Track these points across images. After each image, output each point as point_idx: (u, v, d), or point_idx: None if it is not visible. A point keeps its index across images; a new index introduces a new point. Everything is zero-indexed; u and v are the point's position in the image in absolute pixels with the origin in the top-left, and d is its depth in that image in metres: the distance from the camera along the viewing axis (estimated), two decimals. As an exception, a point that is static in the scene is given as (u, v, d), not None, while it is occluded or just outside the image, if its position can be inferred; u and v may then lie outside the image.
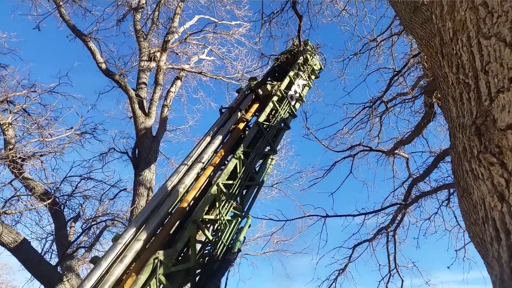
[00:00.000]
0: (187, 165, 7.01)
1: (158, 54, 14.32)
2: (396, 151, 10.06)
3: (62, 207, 11.19)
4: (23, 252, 8.99)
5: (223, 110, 8.43)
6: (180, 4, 14.81)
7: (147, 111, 13.15)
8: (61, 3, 12.43)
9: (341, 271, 9.64)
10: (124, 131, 16.33)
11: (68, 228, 11.90)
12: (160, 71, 13.67)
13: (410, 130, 9.50)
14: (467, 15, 1.60)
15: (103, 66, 12.81)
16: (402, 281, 9.22)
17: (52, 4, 13.13)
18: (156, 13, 15.18)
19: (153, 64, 14.38)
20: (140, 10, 15.17)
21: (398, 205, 8.97)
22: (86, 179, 12.55)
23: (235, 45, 16.73)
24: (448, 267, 7.50)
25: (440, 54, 1.80)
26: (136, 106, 12.67)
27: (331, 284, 9.55)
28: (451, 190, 9.05)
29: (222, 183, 6.65)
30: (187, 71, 15.19)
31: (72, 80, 12.61)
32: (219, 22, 16.59)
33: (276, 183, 17.57)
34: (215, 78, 15.55)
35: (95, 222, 11.67)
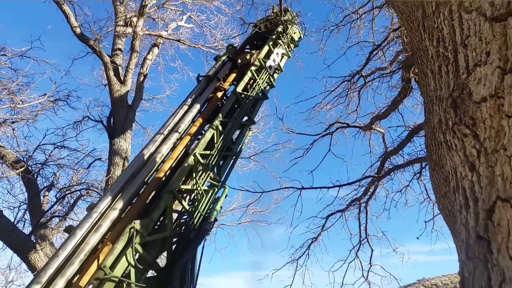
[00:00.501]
0: (164, 134, 6.93)
1: (134, 19, 13.82)
2: (373, 126, 10.23)
3: (35, 176, 10.98)
4: (-5, 220, 8.85)
5: (200, 79, 8.27)
6: (158, -33, 14.22)
7: (122, 79, 12.82)
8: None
9: (314, 239, 9.96)
10: (99, 99, 15.92)
11: (41, 197, 11.72)
12: (136, 37, 13.24)
13: (386, 105, 9.67)
14: (449, -12, 1.61)
15: (78, 30, 12.31)
16: (372, 250, 9.64)
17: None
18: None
19: (129, 30, 13.92)
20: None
21: (371, 178, 9.22)
22: (60, 147, 12.31)
23: (215, 13, 16.33)
24: (417, 238, 7.86)
25: (422, 27, 1.81)
26: (111, 73, 12.33)
27: (304, 252, 9.89)
28: (423, 164, 9.34)
29: (199, 153, 6.64)
30: (165, 38, 14.78)
31: (45, 44, 12.20)
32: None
33: (254, 155, 17.69)
34: (194, 47, 15.21)
35: (69, 191, 11.52)
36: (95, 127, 13.30)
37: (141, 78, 13.43)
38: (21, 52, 11.35)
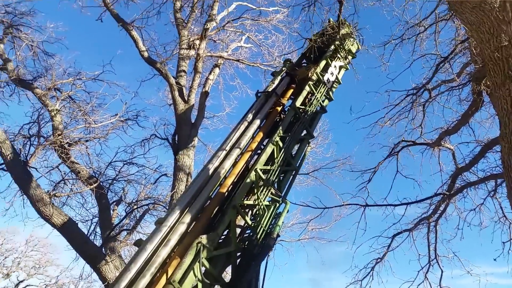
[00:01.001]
0: (226, 150, 7.06)
1: (197, 42, 14.48)
2: (442, 142, 9.70)
3: (106, 191, 11.67)
4: (70, 232, 9.49)
5: (259, 95, 8.34)
6: (218, -9, 14.85)
7: (186, 98, 13.40)
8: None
9: (379, 259, 9.55)
10: (165, 118, 16.67)
11: (111, 211, 12.43)
12: (199, 59, 13.83)
13: (456, 120, 9.15)
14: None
15: (145, 54, 13.13)
16: (442, 271, 9.03)
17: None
18: (196, 0, 15.30)
19: (192, 52, 14.58)
20: (180, -3, 15.32)
21: (442, 195, 8.71)
22: (129, 164, 13.01)
23: (272, 32, 16.68)
24: (495, 259, 7.24)
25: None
26: (176, 93, 12.95)
27: (369, 272, 9.51)
28: (498, 181, 8.67)
29: (259, 169, 6.68)
30: (225, 59, 15.30)
31: (115, 68, 13.04)
32: (258, 9, 16.53)
33: (312, 171, 17.49)
34: (252, 65, 15.60)
35: (137, 206, 12.09)
36: (162, 145, 13.94)
37: (204, 97, 13.96)
38: (94, 76, 12.29)
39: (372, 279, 9.67)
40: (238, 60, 15.28)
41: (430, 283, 9.11)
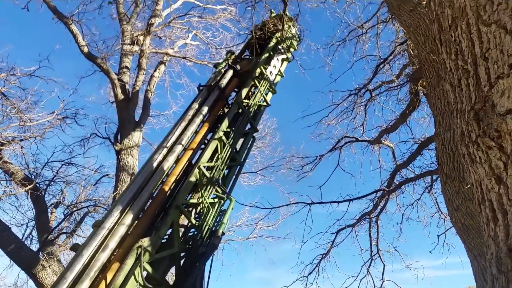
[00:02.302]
0: (166, 147, 6.89)
1: (141, 37, 14.03)
2: (382, 139, 10.18)
3: (43, 193, 11.00)
4: (3, 238, 8.83)
5: (201, 88, 8.20)
6: (164, -14, 14.49)
7: (129, 96, 12.94)
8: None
9: (324, 255, 9.82)
10: (106, 116, 16.03)
11: (49, 214, 11.72)
12: (143, 55, 13.43)
13: (394, 119, 9.64)
14: (466, 2, 1.62)
15: (85, 49, 12.52)
16: (384, 265, 9.47)
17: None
18: (140, -5, 14.84)
19: (136, 48, 14.10)
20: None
21: (382, 191, 9.14)
22: (67, 164, 12.36)
23: (220, 30, 16.59)
24: (430, 252, 7.71)
25: (439, 41, 1.82)
26: (119, 90, 12.47)
27: (314, 268, 9.75)
28: (434, 177, 9.24)
29: (203, 166, 6.60)
30: (171, 56, 14.95)
31: (54, 64, 12.37)
32: (204, 6, 16.36)
33: (261, 169, 17.64)
34: (200, 63, 15.40)
35: (76, 208, 11.52)
36: (103, 144, 13.37)
37: (148, 95, 13.56)
38: (29, 71, 11.53)
39: (318, 275, 9.94)
40: (184, 58, 15.01)
41: (372, 277, 9.53)
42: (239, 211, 18.88)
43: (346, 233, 9.64)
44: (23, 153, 11.15)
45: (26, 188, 9.34)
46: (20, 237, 9.64)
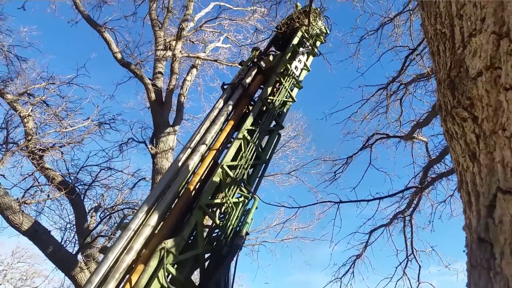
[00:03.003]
0: (190, 148, 6.90)
1: (173, 43, 14.29)
2: (415, 135, 9.65)
3: (82, 197, 11.42)
4: (43, 241, 9.22)
5: (225, 87, 8.13)
6: (194, -9, 14.69)
7: (164, 100, 13.19)
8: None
9: (358, 256, 9.44)
10: (143, 121, 16.48)
11: (89, 218, 12.17)
12: (175, 59, 13.63)
13: (426, 112, 9.08)
14: (445, -43, 1.41)
15: (119, 56, 12.90)
16: (420, 266, 8.92)
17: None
18: (171, 1, 15.13)
19: (169, 53, 14.36)
20: (156, -1, 15.14)
21: (414, 189, 8.64)
22: (106, 169, 12.77)
23: (251, 31, 16.56)
24: (464, 251, 7.09)
25: (421, 7, 1.61)
26: (153, 95, 12.73)
27: (348, 270, 9.39)
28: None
29: (227, 165, 6.52)
30: (203, 59, 15.11)
31: (91, 71, 12.87)
32: (235, 8, 16.41)
33: (293, 170, 17.39)
34: (231, 66, 15.44)
35: (113, 211, 11.86)
36: (139, 148, 13.72)
37: (181, 99, 13.76)
38: (68, 79, 12.02)
39: (353, 276, 9.58)
40: (215, 61, 15.12)
41: (409, 279, 9.02)
42: (273, 212, 18.76)
43: (380, 233, 9.24)
44: (63, 159, 11.64)
45: (62, 193, 9.69)
46: (60, 241, 10.02)
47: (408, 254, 8.97)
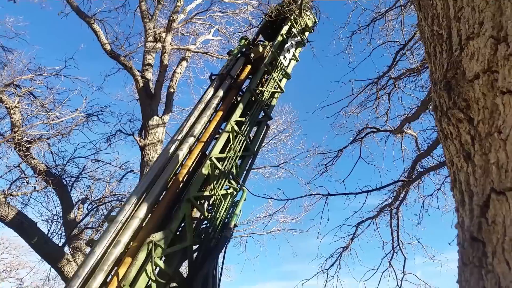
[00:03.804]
0: (178, 140, 6.86)
1: (163, 34, 14.16)
2: (404, 129, 9.77)
3: (69, 189, 11.31)
4: (29, 233, 9.12)
5: (213, 78, 8.01)
6: (185, -18, 14.53)
7: (152, 92, 13.08)
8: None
9: (344, 248, 9.58)
10: (131, 113, 16.32)
11: (76, 210, 12.06)
12: (165, 51, 13.52)
13: (415, 107, 9.19)
14: (443, -41, 1.43)
15: (108, 47, 12.74)
16: (405, 258, 9.10)
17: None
18: (162, -9, 14.96)
19: (159, 45, 14.24)
20: (146, -11, 14.94)
21: (401, 182, 8.77)
22: (94, 161, 12.66)
23: (242, 24, 16.49)
24: (449, 244, 7.23)
25: (417, 7, 1.63)
26: (142, 87, 12.63)
27: (335, 261, 9.52)
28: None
29: (215, 157, 6.51)
30: (193, 52, 15.02)
31: (79, 63, 12.68)
32: (226, 1, 16.31)
33: (282, 163, 17.47)
34: (222, 58, 15.37)
35: (101, 203, 11.78)
36: (127, 140, 13.62)
37: (171, 91, 13.67)
38: (55, 71, 11.84)
39: (339, 268, 9.71)
40: (206, 53, 15.05)
41: (394, 270, 9.19)
42: (262, 204, 18.87)
43: (366, 225, 9.38)
44: (50, 151, 11.50)
45: (49, 184, 9.58)
46: (47, 233, 9.93)
47: (394, 246, 9.14)
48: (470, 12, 1.18)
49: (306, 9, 9.50)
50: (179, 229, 6.13)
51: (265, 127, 7.93)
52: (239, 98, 7.83)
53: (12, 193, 9.53)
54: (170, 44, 14.18)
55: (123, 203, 11.75)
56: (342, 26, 10.10)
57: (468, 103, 1.13)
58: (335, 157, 10.34)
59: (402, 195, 9.09)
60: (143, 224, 5.96)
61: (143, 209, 5.96)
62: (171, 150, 6.82)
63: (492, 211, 0.96)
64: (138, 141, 12.45)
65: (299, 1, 9.22)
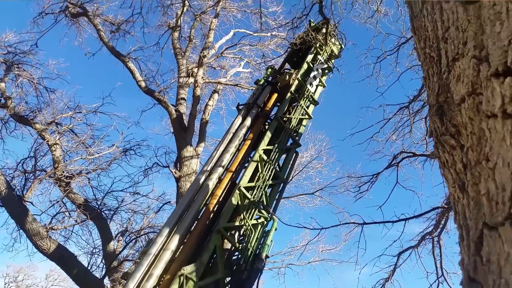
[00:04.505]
0: (208, 171, 6.91)
1: (195, 69, 14.63)
2: (441, 152, 9.30)
3: (108, 221, 11.61)
4: (70, 265, 9.38)
5: (240, 107, 8.12)
6: (213, 20, 15.08)
7: (186, 125, 13.41)
8: (100, 27, 13.09)
9: (386, 280, 9.09)
10: (167, 146, 16.75)
11: (116, 242, 12.31)
12: (197, 85, 13.92)
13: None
14: (433, -21, 1.38)
15: (143, 84, 13.29)
16: (451, 289, 8.45)
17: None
18: (193, 30, 15.58)
19: (191, 80, 14.70)
20: (178, 29, 15.61)
21: (441, 209, 8.29)
22: (131, 193, 12.98)
23: (271, 55, 16.75)
24: None
25: (412, 30, 1.57)
26: (175, 120, 12.99)
27: (378, 293, 9.01)
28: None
29: (244, 187, 6.49)
30: (224, 84, 15.37)
31: (116, 100, 13.27)
32: (255, 34, 16.70)
33: (317, 190, 17.11)
34: (252, 89, 15.58)
35: (139, 235, 11.96)
36: (163, 172, 13.91)
37: (204, 123, 13.97)
38: (94, 108, 12.44)
39: (384, 300, 9.19)
40: (236, 85, 15.34)
41: (441, 302, 8.57)
42: (299, 233, 18.44)
43: (408, 255, 8.88)
44: (90, 185, 11.92)
45: (88, 217, 9.87)
46: (87, 265, 10.17)
47: (439, 276, 8.55)
48: (455, 31, 1.12)
49: (331, 36, 9.51)
50: (211, 261, 6.08)
51: (294, 154, 7.86)
52: (267, 127, 7.86)
53: (53, 227, 9.89)
54: (202, 78, 14.60)
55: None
56: (365, 52, 10.01)
57: (458, 129, 1.05)
58: (370, 182, 10.01)
59: (442, 222, 8.59)
60: (176, 256, 5.99)
61: (174, 241, 5.99)
62: (201, 181, 6.88)
63: (486, 249, 0.86)
64: (174, 173, 12.69)
65: (324, 29, 9.26)
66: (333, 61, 9.78)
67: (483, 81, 0.93)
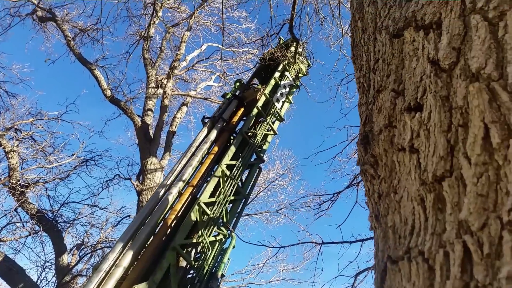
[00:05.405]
0: (168, 185, 6.78)
1: (165, 81, 14.49)
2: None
3: (63, 234, 11.13)
4: (16, 280, 8.88)
5: (206, 120, 8.10)
6: (185, 32, 15.07)
7: (152, 137, 13.17)
8: (68, 33, 12.79)
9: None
10: (130, 157, 16.38)
11: (71, 256, 11.80)
12: (165, 97, 13.77)
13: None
14: (369, 10, 1.41)
15: (109, 93, 13.01)
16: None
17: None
18: (164, 41, 15.50)
19: (160, 91, 14.53)
20: (149, 39, 15.48)
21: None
22: (89, 205, 12.54)
23: (242, 70, 16.86)
24: None
25: (352, 59, 1.60)
26: (140, 130, 12.74)
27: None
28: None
29: (203, 203, 6.39)
30: (194, 97, 15.29)
31: (80, 108, 12.90)
32: (227, 49, 16.80)
33: (281, 208, 17.14)
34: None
35: (94, 249, 11.52)
36: (125, 185, 13.56)
37: (170, 136, 13.78)
38: (56, 115, 12.05)
39: (341, 323, 9.18)
40: (206, 99, 15.31)
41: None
42: (260, 252, 18.33)
43: (364, 276, 8.94)
44: (48, 195, 11.44)
45: (41, 229, 9.44)
46: (36, 280, 9.66)
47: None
48: (382, 64, 1.14)
49: (299, 54, 9.69)
50: (165, 279, 5.90)
51: (258, 169, 7.84)
52: (231, 141, 7.83)
53: (2, 239, 9.36)
54: (172, 89, 14.47)
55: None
56: (328, 75, 10.24)
57: (376, 159, 1.06)
58: (331, 201, 10.10)
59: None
60: (128, 273, 5.78)
61: (127, 257, 5.79)
62: (160, 194, 6.72)
63: (388, 282, 0.86)
64: (135, 186, 12.37)
65: (293, 47, 9.43)
66: (300, 79, 9.94)
67: (398, 115, 0.95)
